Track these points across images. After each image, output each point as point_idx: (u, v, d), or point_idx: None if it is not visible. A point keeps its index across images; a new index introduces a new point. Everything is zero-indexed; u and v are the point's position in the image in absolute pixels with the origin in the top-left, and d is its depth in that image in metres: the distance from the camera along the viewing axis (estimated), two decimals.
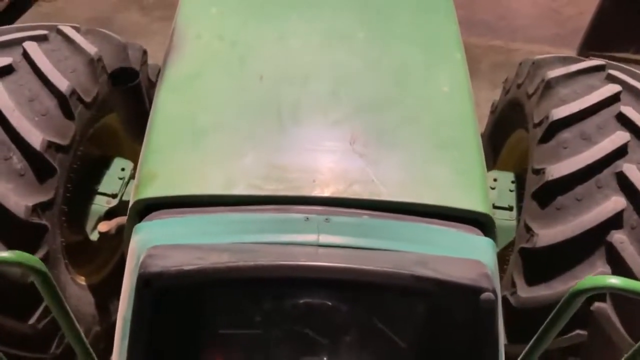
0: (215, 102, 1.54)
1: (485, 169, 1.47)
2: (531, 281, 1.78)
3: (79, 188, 2.03)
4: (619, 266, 1.63)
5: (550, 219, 1.73)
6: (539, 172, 1.80)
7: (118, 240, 2.14)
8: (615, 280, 0.98)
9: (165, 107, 1.55)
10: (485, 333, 1.14)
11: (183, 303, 1.16)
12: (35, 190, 1.74)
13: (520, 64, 2.28)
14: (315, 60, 1.67)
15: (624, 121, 1.76)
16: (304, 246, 1.20)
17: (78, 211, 2.05)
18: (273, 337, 1.18)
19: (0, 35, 1.94)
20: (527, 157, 1.98)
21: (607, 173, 1.71)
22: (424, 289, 1.15)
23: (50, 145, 1.75)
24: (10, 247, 1.71)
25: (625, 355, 1.17)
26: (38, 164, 1.73)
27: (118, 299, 1.29)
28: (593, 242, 1.68)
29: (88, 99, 1.92)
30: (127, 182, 2.12)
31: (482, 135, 2.67)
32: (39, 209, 1.75)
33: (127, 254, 1.29)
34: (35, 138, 1.71)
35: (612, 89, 1.83)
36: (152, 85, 2.18)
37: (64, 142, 1.81)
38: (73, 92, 1.84)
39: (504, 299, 1.90)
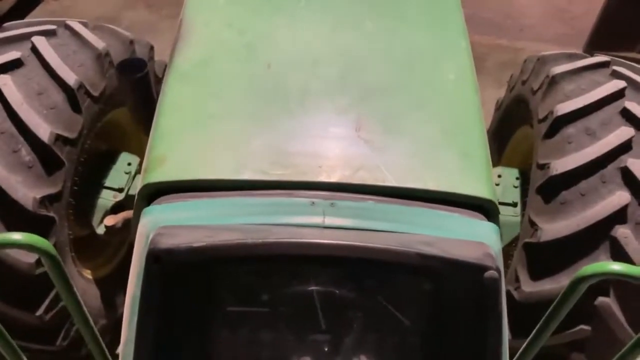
0: (224, 89, 1.56)
1: (489, 156, 1.47)
2: (535, 276, 1.79)
3: (86, 181, 2.05)
4: (623, 261, 1.62)
5: (555, 213, 1.74)
6: (543, 167, 1.81)
7: (124, 235, 2.16)
8: (617, 267, 0.98)
9: (174, 93, 1.56)
10: (489, 311, 1.15)
11: (192, 280, 1.17)
12: (43, 183, 1.76)
13: (526, 60, 2.28)
14: (323, 47, 1.68)
15: (629, 116, 1.76)
16: (310, 227, 1.21)
17: (85, 204, 2.07)
18: (280, 315, 1.19)
19: (9, 30, 1.96)
20: (531, 154, 1.99)
21: (612, 168, 1.71)
22: (429, 267, 1.16)
23: (58, 138, 1.77)
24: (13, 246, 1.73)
25: (622, 350, 1.18)
26: (46, 157, 1.75)
27: (124, 293, 1.30)
28: (597, 237, 1.68)
29: (95, 93, 1.94)
30: (134, 177, 2.14)
31: (487, 132, 2.66)
32: (47, 201, 1.76)
33: (134, 238, 1.30)
34: (44, 131, 1.73)
35: (617, 84, 1.84)
36: (159, 82, 2.20)
37: (71, 135, 1.83)
38: (81, 86, 1.86)
39: (508, 293, 1.91)
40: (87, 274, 2.19)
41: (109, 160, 2.16)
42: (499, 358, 1.15)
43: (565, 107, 1.82)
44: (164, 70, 2.34)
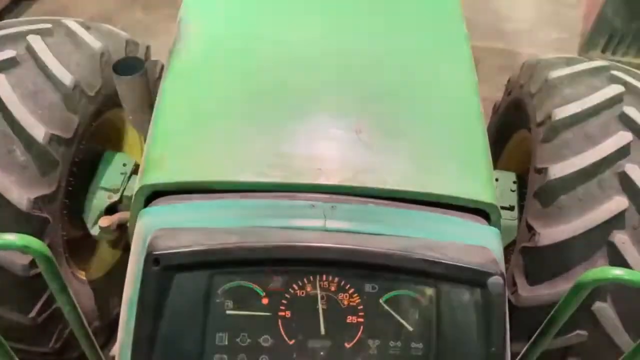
0: (222, 90, 1.55)
1: (491, 160, 1.47)
2: (532, 280, 1.78)
3: (80, 182, 2.03)
4: (621, 266, 1.62)
5: (552, 218, 1.73)
6: (541, 171, 1.80)
7: (119, 236, 2.15)
8: (619, 272, 0.98)
9: (172, 95, 1.55)
10: (493, 317, 1.14)
11: (190, 283, 1.16)
12: (38, 183, 1.74)
13: (523, 64, 2.28)
14: (322, 49, 1.67)
15: (627, 121, 1.76)
16: (310, 231, 1.20)
17: (79, 205, 2.05)
18: (280, 319, 1.18)
19: (4, 29, 1.94)
20: (529, 158, 1.98)
21: (610, 173, 1.71)
22: (431, 272, 1.15)
23: (53, 137, 1.75)
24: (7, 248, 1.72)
25: (624, 354, 1.18)
26: (41, 157, 1.74)
27: (118, 295, 1.29)
28: (595, 242, 1.68)
29: (91, 93, 1.93)
30: (129, 177, 2.12)
31: None
32: (41, 201, 1.75)
33: (131, 239, 1.29)
34: (38, 131, 1.72)
35: (615, 89, 1.84)
36: (156, 82, 2.19)
37: (66, 135, 1.81)
38: (76, 85, 1.85)
39: None
40: (81, 275, 2.17)
41: (104, 160, 2.14)
42: None
43: (563, 112, 1.82)
44: (161, 70, 2.34)
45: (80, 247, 2.19)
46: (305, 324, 1.18)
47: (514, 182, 2.19)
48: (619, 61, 2.21)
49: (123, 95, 1.77)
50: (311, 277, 1.18)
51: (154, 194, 1.32)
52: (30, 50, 1.85)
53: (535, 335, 1.19)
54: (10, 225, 1.66)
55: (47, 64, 1.81)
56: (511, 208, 2.12)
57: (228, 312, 1.17)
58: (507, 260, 2.02)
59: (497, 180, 2.19)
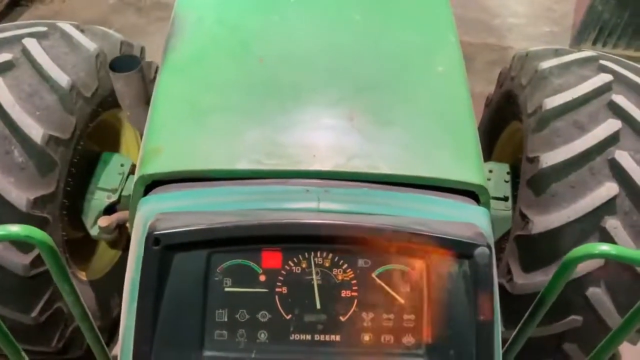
0: (218, 83, 1.58)
1: (479, 144, 1.50)
2: (527, 267, 1.81)
3: (79, 183, 2.05)
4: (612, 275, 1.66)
5: (545, 206, 1.76)
6: (533, 160, 1.83)
7: (118, 236, 2.17)
8: (606, 247, 1.01)
9: (168, 88, 1.58)
10: (481, 287, 1.17)
11: (190, 263, 1.19)
12: (37, 184, 1.76)
13: (514, 56, 2.31)
14: (315, 43, 1.71)
15: (616, 109, 1.79)
16: (305, 212, 1.24)
17: (78, 205, 2.07)
18: (277, 295, 1.23)
19: (0, 33, 1.96)
20: (521, 148, 2.01)
21: (600, 160, 1.74)
22: (421, 246, 1.19)
23: (50, 138, 1.77)
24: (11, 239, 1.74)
25: (611, 332, 1.21)
26: (39, 158, 1.76)
27: (119, 295, 1.31)
28: (587, 228, 1.71)
29: (88, 94, 1.95)
30: (127, 178, 2.14)
31: (478, 129, 2.69)
32: (40, 202, 1.77)
33: (132, 229, 1.32)
34: (36, 132, 1.74)
35: (604, 78, 1.87)
36: (151, 83, 2.21)
37: (64, 136, 1.83)
38: (73, 86, 1.87)
39: (501, 286, 1.93)
40: (82, 275, 2.19)
41: (102, 161, 2.16)
42: (491, 335, 1.18)
43: (553, 101, 1.84)
44: (156, 71, 2.36)
45: (80, 247, 2.21)
46: (301, 299, 1.22)
47: (508, 173, 2.22)
48: (609, 53, 2.25)
49: (120, 92, 1.79)
50: (306, 254, 1.22)
51: (153, 184, 1.35)
52: (26, 52, 1.87)
53: (527, 313, 1.22)
54: None
55: (43, 66, 1.84)
56: (505, 198, 2.15)
57: (227, 289, 1.21)
58: (502, 249, 2.06)
59: (491, 171, 2.22)
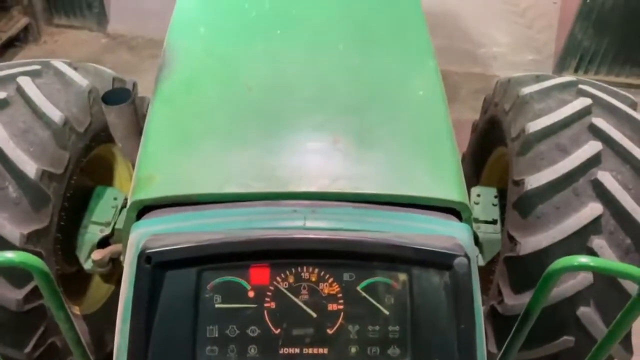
0: (207, 111, 1.64)
1: (460, 162, 1.56)
2: (517, 289, 1.83)
3: (72, 217, 2.07)
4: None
5: (532, 227, 1.80)
6: (518, 183, 1.87)
7: (112, 269, 2.17)
8: (585, 260, 1.05)
9: (159, 117, 1.64)
10: (461, 296, 1.21)
11: (180, 280, 1.23)
12: (30, 219, 1.78)
13: (497, 83, 2.38)
14: (300, 71, 1.78)
15: (596, 132, 1.84)
16: (292, 229, 1.29)
17: (72, 240, 2.08)
18: (266, 310, 1.26)
19: None
20: (507, 172, 2.06)
21: (583, 181, 1.78)
22: (403, 258, 1.23)
23: (44, 173, 1.79)
24: (5, 274, 1.75)
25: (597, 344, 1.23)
26: (33, 193, 1.78)
27: (113, 329, 1.33)
28: (574, 248, 1.73)
29: (81, 129, 1.98)
30: (120, 211, 2.16)
31: (465, 154, 2.76)
32: (34, 236, 1.78)
33: (124, 256, 1.34)
34: (30, 167, 1.76)
35: (584, 102, 1.92)
36: (144, 118, 2.25)
37: (58, 171, 1.86)
38: (66, 122, 1.90)
39: (492, 308, 1.95)
40: (76, 310, 2.19)
41: (95, 195, 2.18)
42: (473, 343, 1.21)
43: (536, 125, 1.90)
44: (148, 106, 2.41)
45: (74, 282, 2.22)
46: (289, 313, 1.26)
47: (495, 197, 2.26)
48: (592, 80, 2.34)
49: (112, 124, 1.83)
50: (293, 269, 1.26)
51: (145, 210, 1.39)
52: (20, 90, 1.91)
53: (513, 329, 1.24)
54: None
55: (37, 102, 1.87)
56: (494, 222, 2.18)
57: (217, 306, 1.25)
58: (492, 271, 2.08)
59: (479, 195, 2.26)
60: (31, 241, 1.77)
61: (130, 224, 1.37)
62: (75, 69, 2.14)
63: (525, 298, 1.79)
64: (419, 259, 1.23)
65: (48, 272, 1.05)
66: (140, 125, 1.80)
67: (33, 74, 2.00)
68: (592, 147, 1.81)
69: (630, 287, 1.69)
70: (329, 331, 1.26)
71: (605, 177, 1.76)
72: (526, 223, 1.82)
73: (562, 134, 1.88)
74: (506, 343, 1.28)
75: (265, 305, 1.25)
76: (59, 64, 2.11)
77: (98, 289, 2.40)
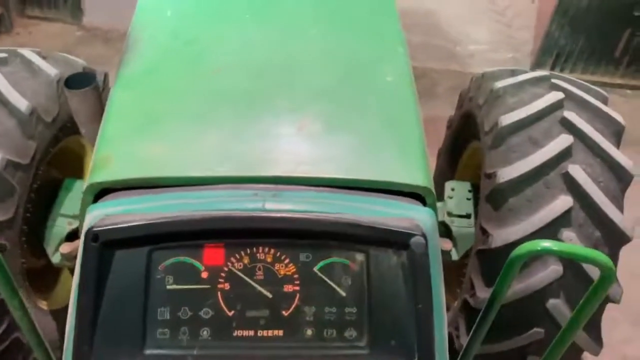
0: (171, 94, 1.60)
1: (426, 148, 1.55)
2: (489, 281, 1.84)
3: (40, 209, 2.02)
4: (570, 262, 1.70)
5: (504, 220, 1.80)
6: (490, 176, 1.88)
7: None
8: (547, 244, 1.05)
9: (120, 100, 1.60)
10: (418, 276, 1.20)
11: (130, 260, 1.19)
12: None
13: (472, 78, 2.38)
14: (269, 54, 1.76)
15: (568, 125, 1.85)
16: (249, 212, 1.25)
17: (39, 232, 2.03)
18: (220, 291, 1.23)
19: None
20: (481, 166, 2.06)
21: (554, 174, 1.79)
22: (360, 237, 1.22)
23: (9, 163, 1.75)
24: None
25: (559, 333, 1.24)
26: None
27: None
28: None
29: (48, 119, 1.94)
30: None
31: (440, 150, 2.77)
32: None
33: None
34: None
35: (556, 95, 1.93)
36: None
37: (23, 161, 1.81)
38: (33, 111, 1.85)
39: (464, 301, 1.95)
40: (43, 305, 2.14)
41: (64, 187, 2.13)
42: (430, 323, 1.20)
43: (508, 118, 1.90)
44: None
45: (42, 276, 2.16)
46: (243, 295, 1.23)
47: (469, 191, 2.26)
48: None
49: (76, 109, 1.78)
50: (248, 250, 1.23)
51: (102, 192, 1.35)
52: None
53: (479, 317, 1.23)
54: None
55: (2, 91, 1.82)
56: (468, 216, 2.18)
57: (169, 287, 1.21)
58: (465, 265, 2.08)
59: (453, 189, 2.26)
60: None
61: (87, 207, 1.32)
62: (44, 58, 2.09)
63: None
64: (375, 239, 1.21)
65: (3, 264, 1.01)
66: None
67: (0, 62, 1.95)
68: (564, 140, 1.82)
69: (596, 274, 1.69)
70: (285, 313, 1.24)
71: (576, 170, 1.77)
72: (498, 216, 1.82)
73: (535, 127, 1.88)
74: (471, 332, 1.28)
75: (219, 286, 1.22)
76: (27, 53, 2.06)
77: (67, 284, 2.34)
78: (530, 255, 1.07)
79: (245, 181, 1.33)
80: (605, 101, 2.05)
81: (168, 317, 1.21)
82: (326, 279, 1.24)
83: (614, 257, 1.79)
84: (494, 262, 1.81)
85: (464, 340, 1.93)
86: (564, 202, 1.75)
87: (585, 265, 1.71)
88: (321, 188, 1.34)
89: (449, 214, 2.14)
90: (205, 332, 1.22)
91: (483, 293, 1.84)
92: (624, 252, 1.81)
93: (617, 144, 1.92)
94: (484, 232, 1.86)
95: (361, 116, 1.57)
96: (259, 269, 1.23)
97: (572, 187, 1.76)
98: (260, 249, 1.23)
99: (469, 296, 1.91)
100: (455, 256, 2.07)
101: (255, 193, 1.30)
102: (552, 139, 1.84)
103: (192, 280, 1.22)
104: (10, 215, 1.78)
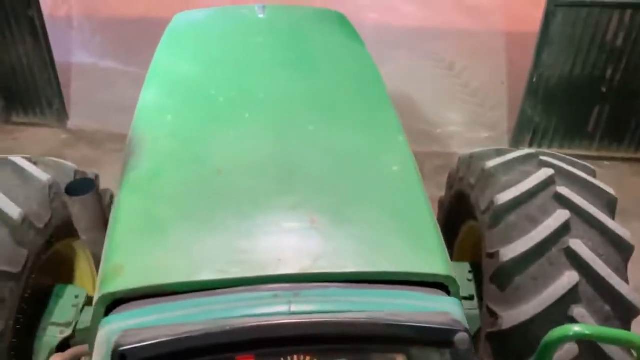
0: (176, 197, 1.59)
1: (441, 235, 1.52)
2: None
3: (30, 318, 1.93)
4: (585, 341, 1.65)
5: (511, 300, 1.77)
6: (493, 255, 1.87)
7: None
8: (579, 328, 1.02)
9: (126, 204, 1.58)
10: None
11: None
12: None
13: (459, 159, 2.43)
14: (270, 152, 1.77)
15: (562, 200, 1.88)
16: (276, 316, 1.20)
17: (28, 343, 1.93)
18: None
19: None
20: (479, 245, 2.06)
21: (556, 250, 1.79)
22: (400, 338, 1.16)
23: (1, 275, 1.68)
24: None
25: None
26: None
27: None
28: (556, 318, 1.70)
29: (40, 225, 1.90)
30: (82, 310, 2.04)
31: None
32: None
33: (92, 352, 1.23)
34: None
35: (547, 172, 1.97)
36: (107, 208, 2.18)
37: (15, 270, 1.75)
38: (25, 218, 1.82)
39: None
40: None
41: (55, 294, 2.06)
42: None
43: (504, 197, 1.92)
44: (111, 198, 2.35)
45: None
46: None
47: (470, 272, 2.24)
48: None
49: (76, 216, 1.75)
50: (281, 359, 1.16)
51: (114, 303, 1.30)
52: None
53: None
54: None
55: None
56: (471, 297, 2.15)
57: None
58: (475, 348, 2.01)
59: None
60: None
61: (99, 320, 1.27)
62: (35, 163, 2.08)
63: None
64: (417, 338, 1.16)
65: None
66: (105, 217, 1.73)
67: None
68: (561, 215, 1.83)
69: (614, 352, 1.65)
70: None
71: (578, 245, 1.77)
72: (505, 296, 1.79)
73: (530, 204, 1.90)
74: None
75: None
76: (18, 159, 2.05)
77: None
78: (564, 340, 1.04)
79: (261, 282, 1.29)
80: (593, 174, 2.10)
81: None
82: None
83: (627, 330, 1.75)
84: (507, 343, 1.76)
85: None
86: (570, 277, 1.73)
87: (599, 342, 1.66)
88: (342, 284, 1.30)
89: None
90: None
91: None
92: None
93: (612, 215, 1.94)
94: (492, 314, 1.82)
95: (371, 207, 1.57)
96: None
97: (576, 262, 1.75)
98: (295, 358, 1.17)
99: None
100: None
101: (275, 294, 1.25)
102: (549, 215, 1.85)
103: None
104: (0, 329, 1.69)
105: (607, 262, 1.77)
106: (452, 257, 2.49)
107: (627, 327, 1.76)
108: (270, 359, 1.17)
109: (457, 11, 7.63)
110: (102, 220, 1.76)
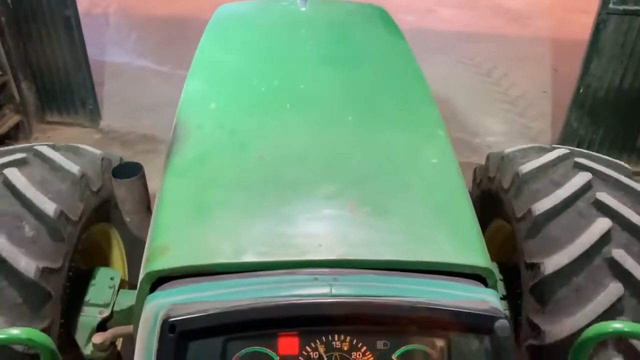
0: (220, 182, 1.63)
1: (480, 229, 1.51)
2: None
3: (71, 305, 1.97)
4: (629, 351, 1.58)
5: (553, 313, 1.71)
6: (532, 267, 1.81)
7: (112, 353, 2.03)
8: (619, 325, 0.99)
9: (172, 189, 1.62)
10: None
11: (206, 351, 1.16)
12: (31, 319, 1.65)
13: (488, 156, 2.37)
14: (311, 142, 1.80)
15: (602, 207, 1.80)
16: (318, 297, 1.22)
17: (71, 327, 1.96)
18: None
19: None
20: (508, 245, 2.02)
21: (599, 261, 1.71)
22: (440, 322, 1.16)
23: (43, 271, 1.69)
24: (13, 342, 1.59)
25: None
26: (33, 292, 1.67)
27: None
28: None
29: (75, 218, 1.90)
30: (118, 291, 2.07)
31: None
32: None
33: (136, 330, 1.27)
34: (29, 267, 1.65)
35: (583, 177, 1.90)
36: None
37: (55, 265, 1.77)
38: (61, 213, 1.82)
39: None
40: None
41: (91, 277, 2.08)
42: None
43: (541, 206, 1.86)
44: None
45: None
46: None
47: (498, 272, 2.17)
48: None
49: (122, 198, 1.79)
50: (323, 338, 1.18)
51: (159, 281, 1.33)
52: (7, 184, 1.80)
53: None
54: None
55: (27, 196, 1.78)
56: (504, 297, 2.08)
57: None
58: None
59: None
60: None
61: (144, 296, 1.30)
62: (62, 152, 2.05)
63: None
64: (457, 323, 1.16)
65: (54, 350, 0.99)
66: (149, 201, 1.75)
67: (19, 164, 1.90)
68: (602, 224, 1.76)
69: None
70: None
71: (621, 255, 1.69)
72: (546, 309, 1.73)
73: (569, 212, 1.84)
74: None
75: None
76: (44, 149, 2.02)
77: None
78: (601, 337, 1.00)
79: (301, 265, 1.31)
80: (629, 175, 2.01)
81: None
82: None
83: None
84: (548, 358, 1.70)
85: None
86: (613, 289, 1.65)
87: None
88: (379, 271, 1.31)
89: None
90: None
91: None
92: None
93: None
94: (534, 327, 1.75)
95: (410, 198, 1.57)
96: (336, 358, 1.19)
97: (619, 273, 1.68)
98: (336, 337, 1.19)
99: None
100: None
101: (315, 278, 1.26)
102: (590, 223, 1.77)
103: None
104: (46, 325, 1.69)
105: None
106: None
107: None
108: (312, 338, 1.19)
109: (497, 16, 7.53)
110: (147, 202, 1.78)
